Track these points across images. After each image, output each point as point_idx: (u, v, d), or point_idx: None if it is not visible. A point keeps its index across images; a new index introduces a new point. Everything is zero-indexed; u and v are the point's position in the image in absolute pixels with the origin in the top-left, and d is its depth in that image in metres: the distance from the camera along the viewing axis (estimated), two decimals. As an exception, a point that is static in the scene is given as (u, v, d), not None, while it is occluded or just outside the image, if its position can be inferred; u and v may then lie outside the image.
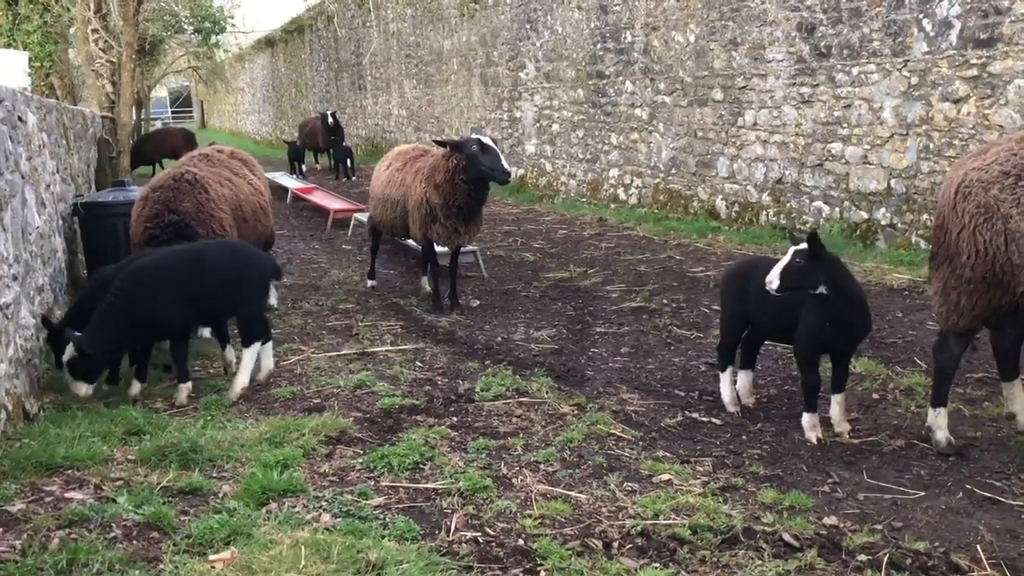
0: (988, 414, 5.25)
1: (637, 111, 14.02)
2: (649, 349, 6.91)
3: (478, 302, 8.63)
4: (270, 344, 6.28)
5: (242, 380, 5.94)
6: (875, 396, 5.64)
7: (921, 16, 9.15)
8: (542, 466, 4.68)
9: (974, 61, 8.63)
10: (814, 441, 4.91)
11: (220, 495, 4.27)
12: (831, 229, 10.12)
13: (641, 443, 5.01)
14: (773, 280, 4.62)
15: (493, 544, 3.84)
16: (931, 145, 9.16)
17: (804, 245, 4.68)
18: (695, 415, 5.46)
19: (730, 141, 12.05)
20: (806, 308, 4.82)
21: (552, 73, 16.29)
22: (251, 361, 5.99)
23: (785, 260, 4.66)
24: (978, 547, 3.73)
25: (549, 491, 4.37)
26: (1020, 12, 8.17)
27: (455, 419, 5.43)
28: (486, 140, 7.76)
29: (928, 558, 3.66)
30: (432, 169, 8.13)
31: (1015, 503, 4.17)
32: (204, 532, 3.79)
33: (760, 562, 3.64)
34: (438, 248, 8.50)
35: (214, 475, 4.54)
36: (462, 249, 8.67)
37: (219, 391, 6.01)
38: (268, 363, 6.27)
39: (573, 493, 4.35)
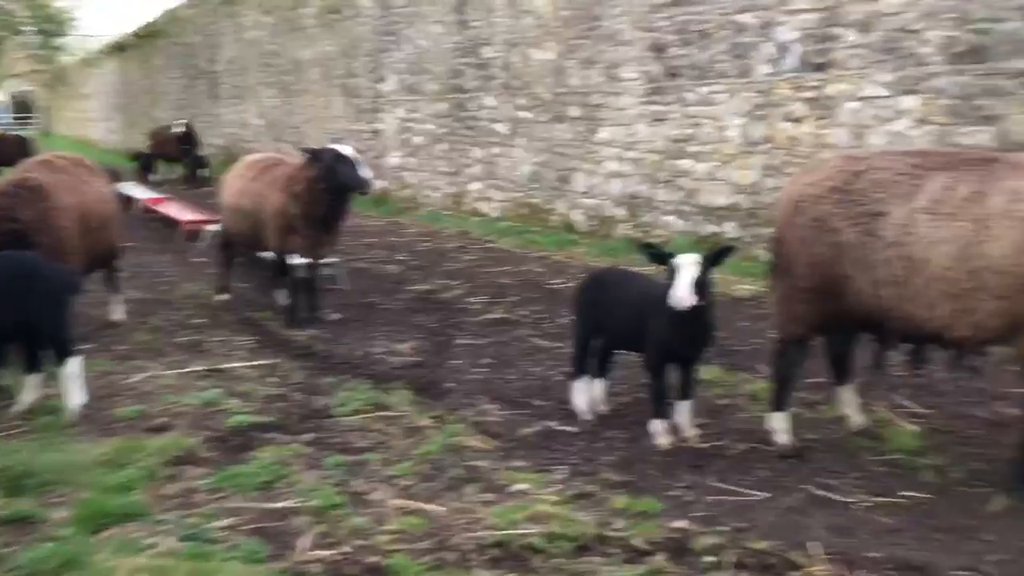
0: (825, 417, 5.54)
1: (498, 126, 14.16)
2: (509, 360, 6.96)
3: (338, 315, 8.48)
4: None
5: (76, 398, 5.60)
6: (721, 402, 5.86)
7: (763, 40, 9.64)
8: (399, 480, 4.63)
9: (811, 84, 9.16)
10: (664, 446, 5.07)
11: (53, 522, 4.02)
12: (682, 242, 10.49)
13: (499, 453, 5.03)
14: (686, 296, 4.56)
15: (346, 563, 3.76)
16: (774, 163, 9.65)
17: (696, 256, 4.70)
18: (552, 424, 5.52)
19: (587, 157, 12.33)
20: (654, 318, 4.96)
21: (415, 86, 16.25)
22: (76, 376, 5.61)
23: (691, 275, 4.59)
24: (811, 544, 3.90)
25: (405, 505, 4.32)
26: (850, 39, 8.74)
27: (310, 436, 5.29)
28: (344, 150, 7.66)
29: (769, 556, 3.82)
30: (289, 179, 7.95)
31: (848, 500, 4.41)
32: (34, 563, 3.56)
33: (612, 568, 3.71)
34: (296, 260, 8.30)
35: (49, 501, 4.27)
36: (321, 261, 8.50)
37: (55, 412, 5.65)
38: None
39: (430, 506, 4.32)
